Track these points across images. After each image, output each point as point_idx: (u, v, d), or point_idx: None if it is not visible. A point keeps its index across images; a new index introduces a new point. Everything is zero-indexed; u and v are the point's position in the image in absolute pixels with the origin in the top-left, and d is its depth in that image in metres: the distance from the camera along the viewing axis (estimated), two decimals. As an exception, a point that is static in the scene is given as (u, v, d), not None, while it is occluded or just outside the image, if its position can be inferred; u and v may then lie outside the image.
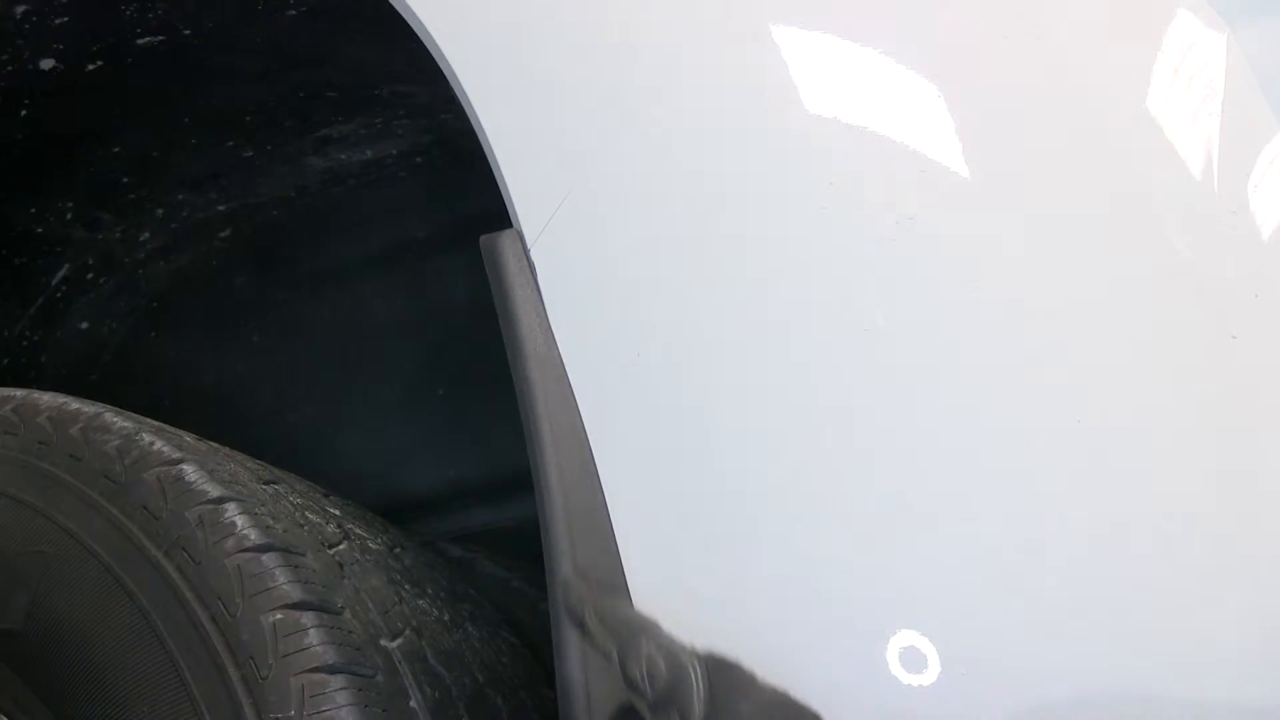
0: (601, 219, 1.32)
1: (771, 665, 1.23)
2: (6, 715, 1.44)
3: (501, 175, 1.35)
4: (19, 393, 1.53)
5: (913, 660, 1.19)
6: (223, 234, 1.95)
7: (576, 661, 1.22)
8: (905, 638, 1.20)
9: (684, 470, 1.27)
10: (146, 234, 1.98)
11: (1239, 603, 1.21)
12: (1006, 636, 1.19)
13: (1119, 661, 1.19)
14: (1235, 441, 1.23)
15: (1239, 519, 1.21)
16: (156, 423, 1.50)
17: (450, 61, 1.38)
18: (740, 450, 1.25)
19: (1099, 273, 1.25)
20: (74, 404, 1.52)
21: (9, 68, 1.72)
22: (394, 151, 1.97)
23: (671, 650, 1.24)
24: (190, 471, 1.40)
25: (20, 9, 1.64)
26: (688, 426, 1.27)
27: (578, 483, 1.29)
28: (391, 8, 1.40)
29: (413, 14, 1.40)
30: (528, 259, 1.34)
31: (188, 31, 1.71)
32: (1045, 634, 1.19)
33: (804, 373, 1.25)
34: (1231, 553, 1.22)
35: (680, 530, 1.26)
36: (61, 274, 2.01)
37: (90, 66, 1.75)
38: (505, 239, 1.34)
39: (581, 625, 1.24)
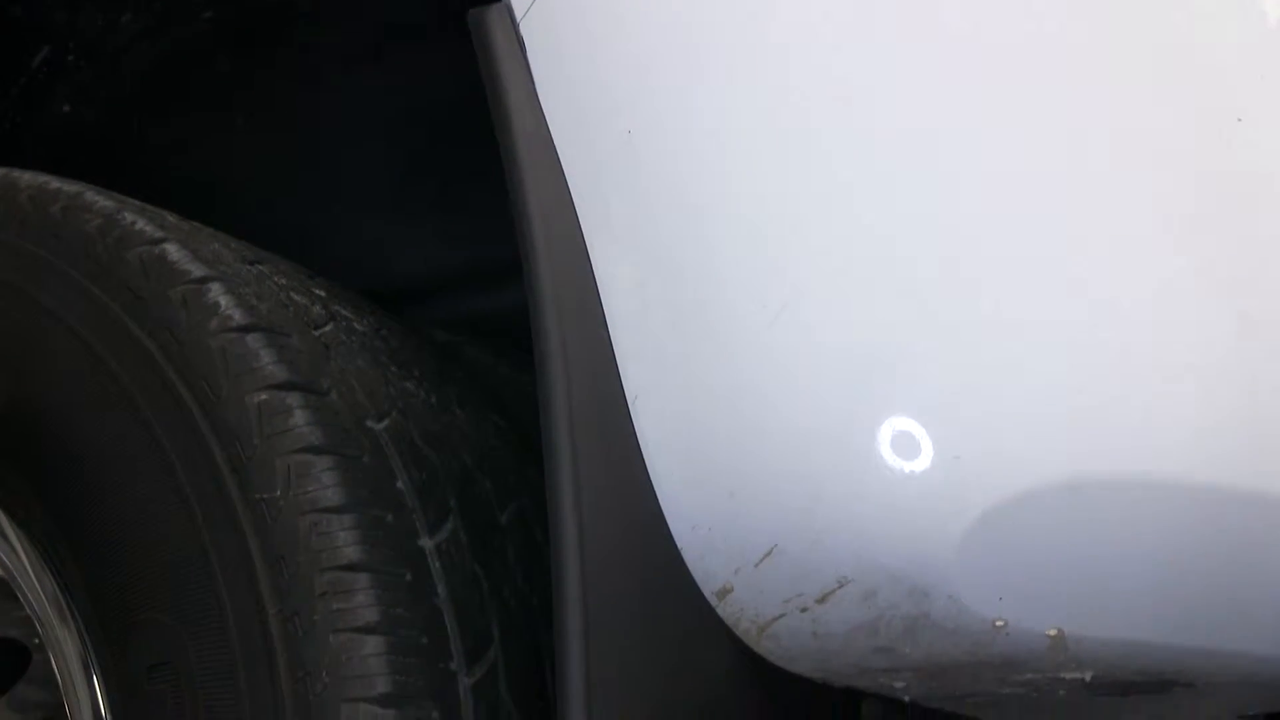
0: (593, -10, 1.29)
1: (764, 452, 1.22)
2: (-9, 497, 1.44)
3: (488, -56, 1.31)
4: (-3, 171, 1.51)
5: (905, 447, 1.18)
6: (205, 14, 1.91)
7: (565, 433, 1.21)
8: (898, 424, 1.19)
9: (675, 249, 1.25)
10: (128, 15, 1.94)
11: (1237, 390, 1.20)
12: (1000, 422, 1.18)
13: (1113, 448, 1.18)
14: (1238, 223, 1.21)
15: (1240, 301, 1.20)
16: (139, 203, 1.47)
17: None
18: (731, 229, 1.23)
19: (1102, 47, 1.22)
20: (54, 183, 1.49)
21: None
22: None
23: None
24: (173, 251, 1.37)
25: None
26: (679, 205, 1.25)
27: (567, 263, 1.27)
28: None
29: None
30: (517, 34, 1.31)
31: None
32: (1039, 420, 1.18)
33: (797, 150, 1.22)
34: (1232, 338, 1.20)
35: (670, 310, 1.24)
36: (42, 56, 1.97)
37: None
38: (494, 13, 1.31)
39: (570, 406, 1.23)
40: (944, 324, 1.20)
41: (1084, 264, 1.20)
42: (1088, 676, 1.22)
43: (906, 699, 1.34)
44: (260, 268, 1.42)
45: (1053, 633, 1.18)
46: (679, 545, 1.24)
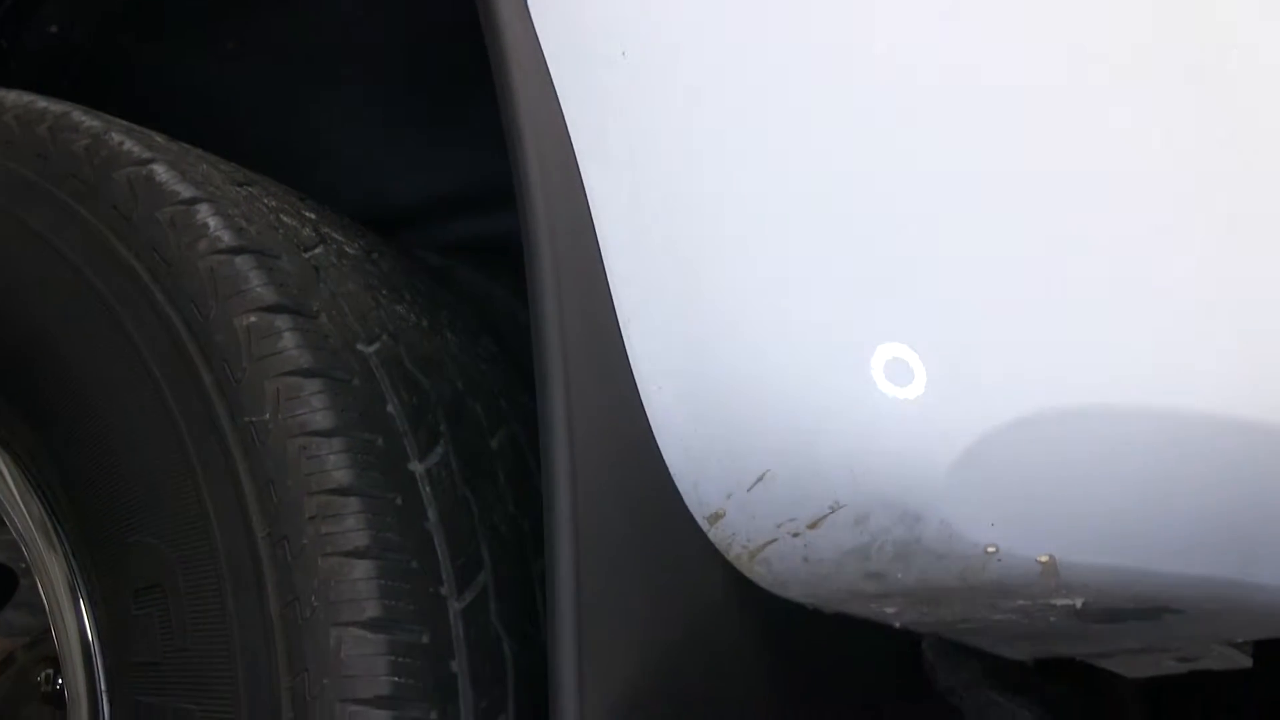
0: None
1: (757, 377, 1.22)
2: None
3: None
4: (-18, 91, 1.49)
5: (899, 372, 1.17)
6: (195, -66, 1.89)
7: (558, 357, 1.20)
8: (892, 349, 1.18)
9: (670, 173, 1.23)
10: (115, -66, 1.92)
11: (1229, 314, 1.19)
12: (994, 348, 1.18)
13: (1107, 374, 1.17)
14: (1221, 136, 1.20)
15: (1230, 219, 1.19)
16: (126, 123, 1.46)
17: None
18: (728, 153, 1.22)
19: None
20: (41, 102, 1.47)
21: None
22: None
23: None
24: (161, 172, 1.36)
25: None
26: (674, 128, 1.24)
27: (560, 187, 1.26)
28: None
29: None
30: (508, -48, 1.29)
31: None
32: (1033, 346, 1.18)
33: (796, 71, 1.21)
34: (1219, 260, 1.19)
35: (665, 233, 1.23)
36: (29, -25, 1.95)
37: None
38: (484, -71, 1.29)
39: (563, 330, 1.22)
40: (939, 252, 1.19)
41: (1071, 190, 1.19)
42: (1079, 603, 1.22)
43: (896, 625, 1.33)
44: (250, 189, 1.41)
45: (1044, 559, 1.18)
46: (671, 470, 1.23)
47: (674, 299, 1.23)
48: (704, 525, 1.23)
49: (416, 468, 1.27)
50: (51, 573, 1.37)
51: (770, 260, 1.22)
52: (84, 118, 1.43)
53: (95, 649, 1.34)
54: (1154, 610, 1.27)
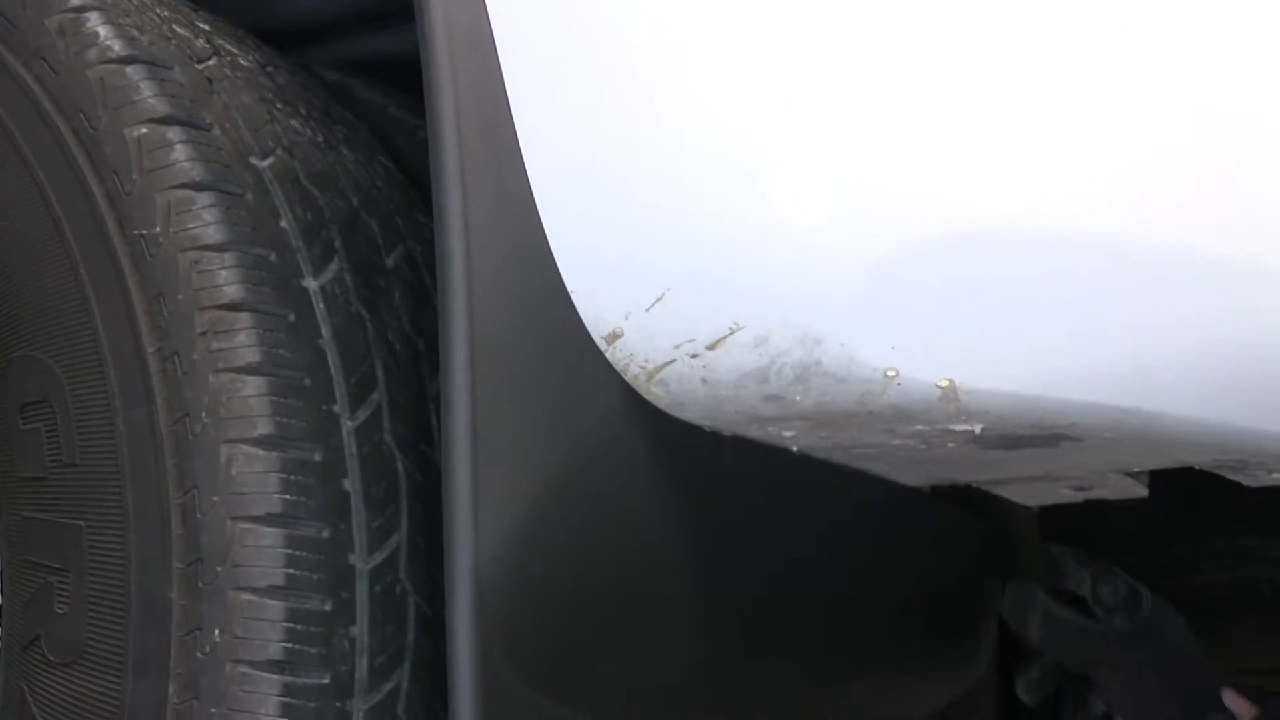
0: None
1: (658, 194, 1.20)
2: None
3: None
4: None
5: (801, 192, 1.16)
6: None
7: (454, 171, 1.18)
8: (795, 168, 1.17)
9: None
10: None
11: (1130, 140, 1.18)
12: (899, 169, 1.17)
13: (1015, 198, 1.17)
14: None
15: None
16: (12, -72, 1.41)
17: None
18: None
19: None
20: (-78, -95, 1.42)
21: None
22: None
23: None
24: (48, -23, 1.32)
25: None
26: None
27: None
28: None
29: None
30: None
31: None
32: (940, 167, 1.17)
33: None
34: (1129, 95, 1.18)
35: (567, 46, 1.21)
36: None
37: None
38: None
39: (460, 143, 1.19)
40: (842, 75, 1.17)
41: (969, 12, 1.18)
42: (978, 429, 1.22)
43: (794, 449, 1.33)
44: (141, -2, 1.37)
45: (944, 384, 1.17)
46: (569, 288, 1.21)
47: (574, 112, 1.21)
48: (602, 345, 1.22)
49: (310, 284, 1.25)
50: (-65, 386, 1.35)
51: (673, 79, 1.20)
52: (-33, -79, 1.39)
53: (-19, 464, 1.32)
54: (1052, 438, 1.27)
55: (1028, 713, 1.71)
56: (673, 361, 1.21)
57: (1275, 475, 1.40)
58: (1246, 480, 1.42)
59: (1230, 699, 1.55)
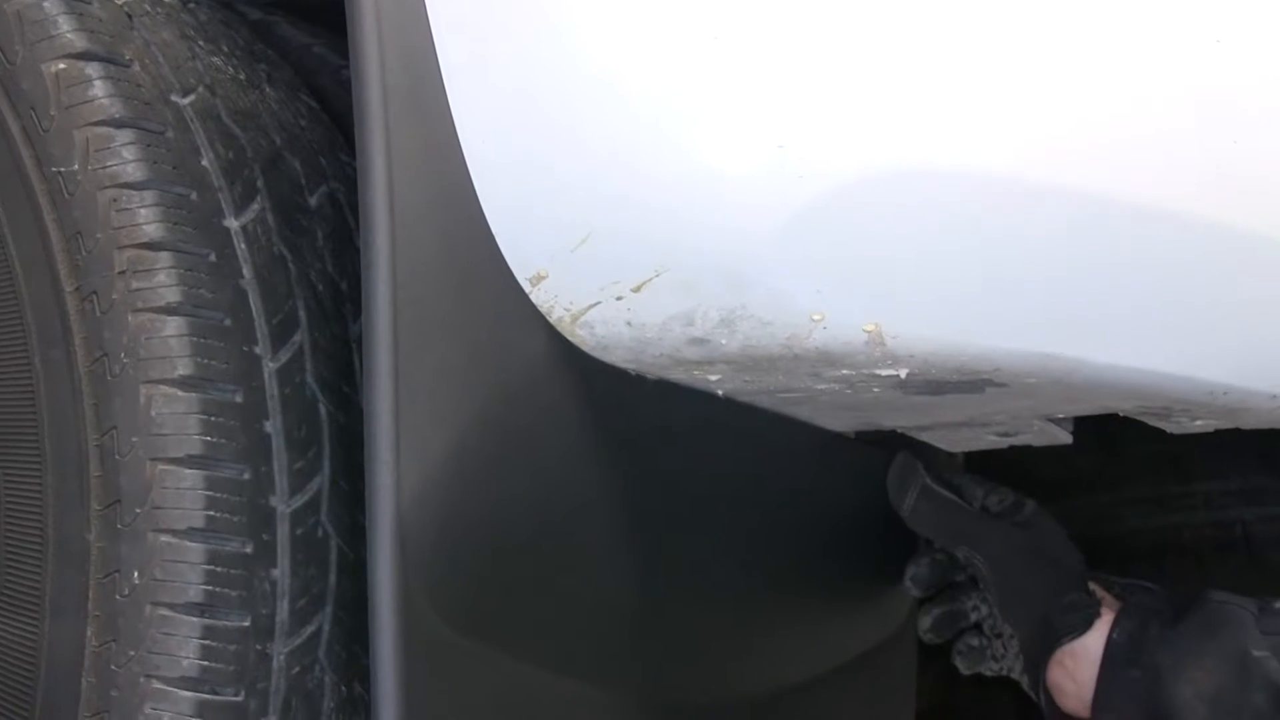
0: None
1: (583, 135, 1.19)
2: None
3: None
4: None
5: (727, 135, 1.16)
6: None
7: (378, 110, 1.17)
8: (721, 110, 1.16)
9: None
10: None
11: (1058, 84, 1.18)
12: (824, 110, 1.16)
13: (941, 140, 1.17)
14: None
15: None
16: None
17: None
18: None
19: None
20: None
21: None
22: None
23: None
24: (-39, -90, 1.29)
25: None
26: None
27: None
28: None
29: None
30: None
31: None
32: (864, 110, 1.17)
33: None
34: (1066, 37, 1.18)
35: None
36: None
37: None
38: None
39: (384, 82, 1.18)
40: (772, 19, 1.17)
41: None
42: (903, 374, 1.22)
43: (720, 393, 1.33)
44: (59, -69, 1.35)
45: (870, 328, 1.17)
46: (493, 229, 1.20)
47: (501, 52, 1.20)
48: (526, 286, 1.21)
49: (231, 223, 1.24)
50: None
51: (600, 19, 1.19)
52: None
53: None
54: (977, 383, 1.27)
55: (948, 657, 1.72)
56: (597, 304, 1.21)
57: (1198, 423, 1.41)
58: (1169, 427, 1.43)
59: (1097, 590, 1.56)
